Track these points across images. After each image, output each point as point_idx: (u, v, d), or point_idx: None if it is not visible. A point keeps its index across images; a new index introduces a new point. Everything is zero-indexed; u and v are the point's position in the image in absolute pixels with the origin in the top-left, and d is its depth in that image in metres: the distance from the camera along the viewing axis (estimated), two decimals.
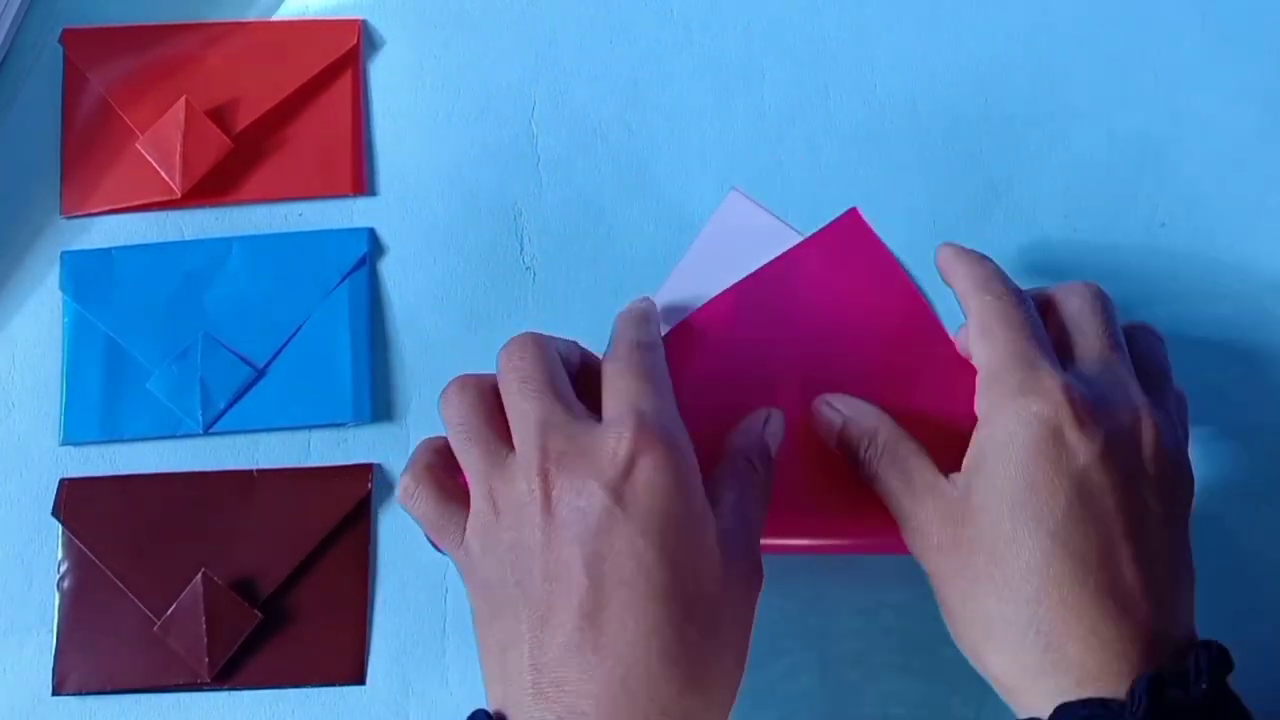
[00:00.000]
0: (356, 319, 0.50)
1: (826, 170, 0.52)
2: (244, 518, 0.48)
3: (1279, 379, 0.50)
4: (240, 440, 0.49)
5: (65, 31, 0.53)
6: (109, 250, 0.51)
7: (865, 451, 0.42)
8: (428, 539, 0.41)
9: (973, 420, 0.40)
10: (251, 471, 0.49)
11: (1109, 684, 0.36)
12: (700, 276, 0.49)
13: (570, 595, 0.35)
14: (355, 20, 0.54)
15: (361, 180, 0.52)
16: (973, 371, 0.41)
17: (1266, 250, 0.51)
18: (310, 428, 0.50)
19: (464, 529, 0.39)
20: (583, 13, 0.54)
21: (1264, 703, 0.37)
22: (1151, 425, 0.39)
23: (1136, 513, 0.38)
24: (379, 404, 0.50)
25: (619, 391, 0.39)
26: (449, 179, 0.52)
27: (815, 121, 0.52)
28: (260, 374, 0.50)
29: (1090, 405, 0.38)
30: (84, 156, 0.52)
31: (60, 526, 0.48)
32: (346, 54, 0.53)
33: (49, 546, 0.48)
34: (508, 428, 0.39)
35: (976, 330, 0.41)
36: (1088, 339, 0.41)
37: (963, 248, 0.44)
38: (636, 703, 0.35)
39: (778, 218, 0.48)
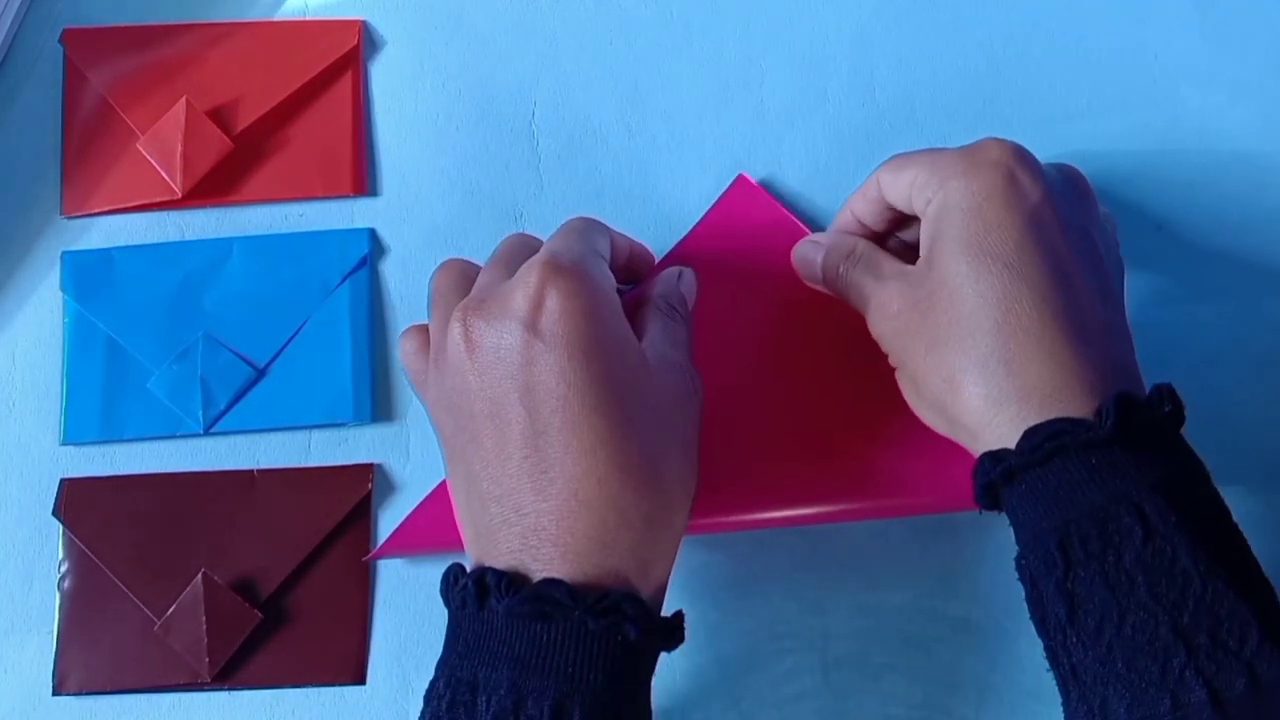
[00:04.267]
0: (357, 319, 0.50)
1: (825, 172, 0.52)
2: (244, 518, 0.48)
3: (1279, 379, 0.50)
4: (241, 440, 0.49)
5: (65, 31, 0.53)
6: (109, 250, 0.51)
7: (842, 267, 0.44)
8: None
9: None
10: (252, 471, 0.49)
11: (1073, 405, 0.37)
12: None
13: (512, 427, 0.38)
14: (355, 20, 0.54)
15: (362, 181, 0.52)
16: None
17: (1264, 251, 0.51)
18: (311, 428, 0.50)
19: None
20: (583, 14, 0.54)
21: None
22: (1087, 185, 0.42)
23: (1088, 249, 0.40)
24: (379, 404, 0.50)
25: (544, 245, 0.42)
26: (450, 179, 0.52)
27: (814, 123, 0.52)
28: (261, 374, 0.50)
29: (1033, 158, 0.41)
30: (84, 157, 0.52)
31: (61, 526, 0.48)
32: (347, 54, 0.53)
33: (49, 547, 0.48)
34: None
35: (890, 169, 0.43)
36: None
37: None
38: (593, 510, 0.37)
39: (784, 206, 0.50)
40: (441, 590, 0.39)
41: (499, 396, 0.38)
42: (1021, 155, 0.40)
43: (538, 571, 0.37)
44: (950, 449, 0.41)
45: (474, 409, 0.39)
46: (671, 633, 0.38)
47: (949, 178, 0.40)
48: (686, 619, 0.40)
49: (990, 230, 0.39)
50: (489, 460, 0.38)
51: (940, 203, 0.40)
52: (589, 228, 0.43)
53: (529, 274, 0.39)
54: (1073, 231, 0.40)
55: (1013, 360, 0.38)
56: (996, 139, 0.41)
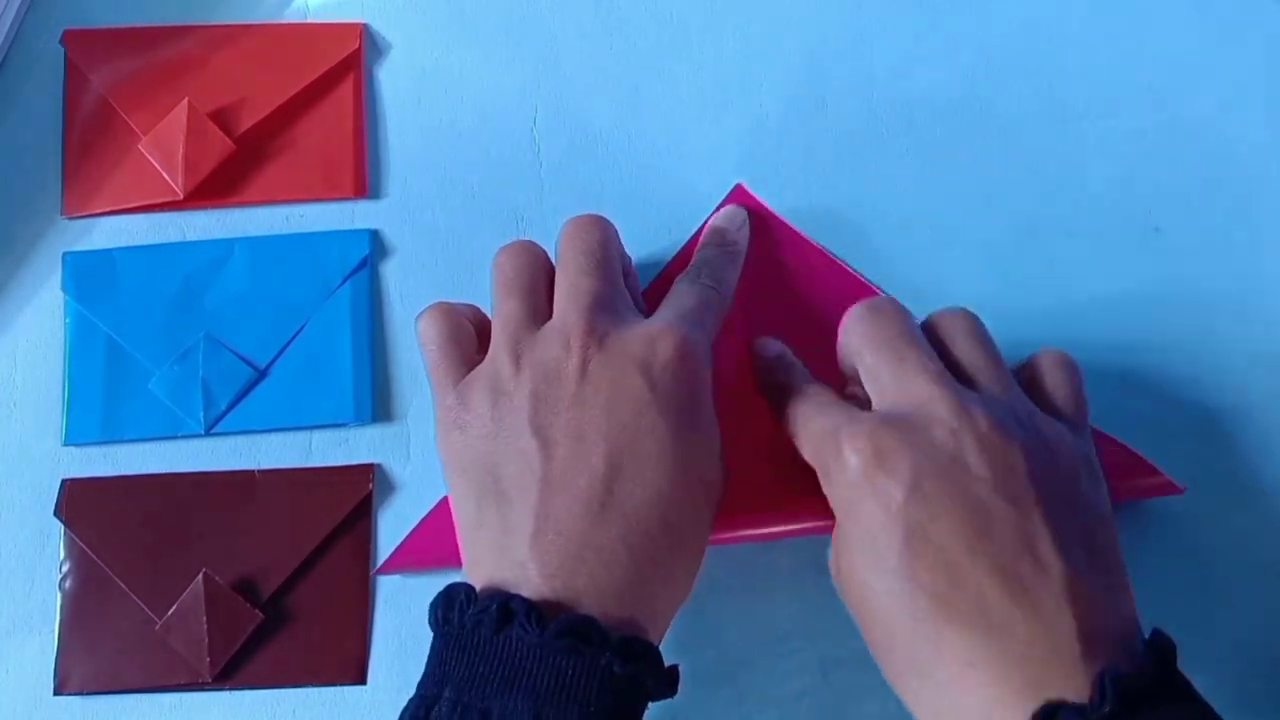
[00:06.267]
0: (358, 320, 0.50)
1: (824, 175, 0.52)
2: (245, 518, 0.48)
3: (1277, 381, 0.50)
4: (241, 441, 0.50)
5: (66, 33, 0.53)
6: (111, 251, 0.51)
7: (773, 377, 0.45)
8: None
9: None
10: (253, 472, 0.49)
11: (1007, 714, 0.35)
12: None
13: (588, 455, 0.38)
14: (357, 23, 0.54)
15: (363, 183, 0.52)
16: None
17: (1265, 252, 0.51)
18: (311, 428, 0.50)
19: (463, 372, 0.42)
20: (583, 19, 0.54)
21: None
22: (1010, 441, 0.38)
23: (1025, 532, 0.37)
24: (380, 404, 0.50)
25: (681, 302, 0.43)
26: (451, 182, 0.52)
27: (813, 126, 0.52)
28: (262, 375, 0.50)
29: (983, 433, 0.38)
30: (85, 157, 0.52)
31: (62, 527, 0.48)
32: (348, 57, 0.53)
33: (51, 547, 0.48)
34: (551, 298, 0.42)
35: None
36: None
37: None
38: (634, 558, 0.38)
39: (781, 215, 0.50)
40: (437, 609, 0.39)
41: (589, 422, 0.39)
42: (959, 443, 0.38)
43: (567, 600, 0.37)
44: None
45: (553, 421, 0.39)
46: (674, 684, 0.39)
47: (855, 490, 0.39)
48: (687, 618, 0.40)
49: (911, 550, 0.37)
50: (550, 476, 0.38)
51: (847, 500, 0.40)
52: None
53: (667, 331, 0.41)
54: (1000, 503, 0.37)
55: (942, 679, 0.37)
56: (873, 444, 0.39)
